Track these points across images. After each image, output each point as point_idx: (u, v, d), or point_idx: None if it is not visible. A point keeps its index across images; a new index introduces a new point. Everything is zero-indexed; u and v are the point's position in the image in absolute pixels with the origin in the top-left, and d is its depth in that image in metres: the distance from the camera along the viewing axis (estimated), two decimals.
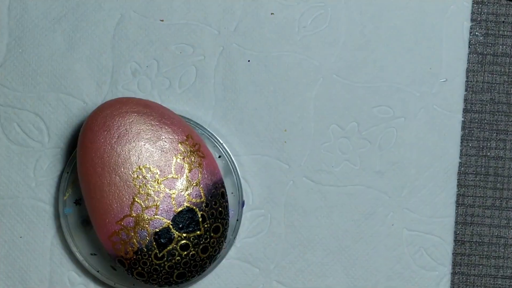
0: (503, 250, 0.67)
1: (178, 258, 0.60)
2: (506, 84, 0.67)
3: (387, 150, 0.66)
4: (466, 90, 0.67)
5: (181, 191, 0.60)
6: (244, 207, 0.65)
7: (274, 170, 0.66)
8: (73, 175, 0.64)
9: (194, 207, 0.60)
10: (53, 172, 0.66)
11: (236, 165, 0.65)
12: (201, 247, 0.60)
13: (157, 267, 0.60)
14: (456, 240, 0.67)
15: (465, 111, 0.67)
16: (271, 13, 0.66)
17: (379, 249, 0.66)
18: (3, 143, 0.66)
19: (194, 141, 0.61)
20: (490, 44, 0.66)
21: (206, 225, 0.60)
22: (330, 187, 0.66)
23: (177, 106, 0.66)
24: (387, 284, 0.66)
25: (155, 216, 0.59)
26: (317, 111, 0.66)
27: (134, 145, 0.60)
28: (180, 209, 0.59)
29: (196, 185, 0.60)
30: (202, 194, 0.60)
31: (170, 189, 0.59)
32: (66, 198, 0.64)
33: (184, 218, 0.59)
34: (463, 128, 0.67)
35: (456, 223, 0.67)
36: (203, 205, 0.60)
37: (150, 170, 0.59)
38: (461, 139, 0.67)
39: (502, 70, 0.67)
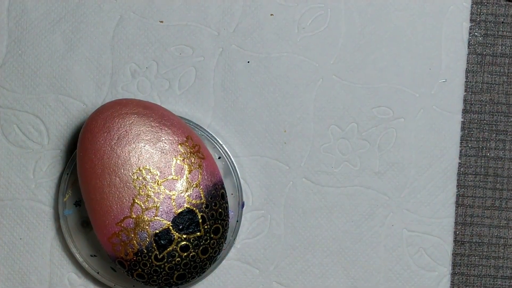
0: (502, 250, 0.67)
1: (178, 259, 0.60)
2: (505, 85, 0.67)
3: (386, 151, 0.66)
4: (465, 91, 0.67)
5: (181, 193, 0.60)
6: (244, 208, 0.65)
7: (274, 171, 0.66)
8: (73, 176, 0.64)
9: (194, 208, 0.60)
10: (53, 173, 0.66)
11: (236, 166, 0.65)
12: (201, 248, 0.60)
13: (157, 268, 0.60)
14: (455, 241, 0.67)
15: (465, 111, 0.67)
16: (271, 14, 0.66)
17: (379, 250, 0.66)
18: (3, 145, 0.66)
19: (194, 142, 0.61)
20: (489, 45, 0.66)
21: (206, 226, 0.60)
22: (329, 188, 0.66)
23: (176, 107, 0.66)
24: (387, 285, 0.66)
25: (155, 218, 0.59)
26: (316, 112, 0.66)
27: (134, 146, 0.60)
28: (180, 210, 0.59)
29: (196, 186, 0.60)
30: (202, 195, 0.60)
31: (170, 191, 0.59)
32: (66, 199, 0.64)
33: (184, 219, 0.59)
34: (462, 128, 0.67)
35: (456, 223, 0.67)
36: (203, 206, 0.60)
37: (150, 172, 0.59)
38: (461, 140, 0.67)
39: (501, 70, 0.67)
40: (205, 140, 0.64)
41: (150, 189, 0.59)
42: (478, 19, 0.66)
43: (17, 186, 0.66)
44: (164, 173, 0.60)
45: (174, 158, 0.60)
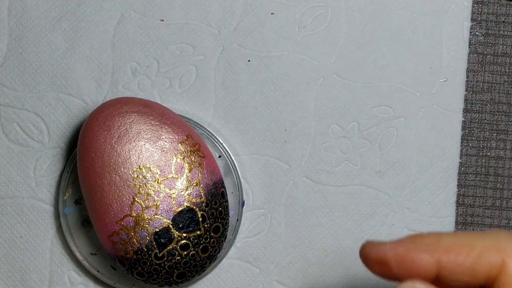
0: None
1: (178, 258, 0.60)
2: (506, 84, 0.67)
3: (387, 150, 0.66)
4: (466, 90, 0.67)
5: (181, 191, 0.60)
6: (244, 207, 0.65)
7: (275, 169, 0.66)
8: (73, 175, 0.64)
9: (194, 207, 0.60)
10: (53, 171, 0.66)
11: (236, 165, 0.65)
12: (201, 247, 0.60)
13: (157, 267, 0.60)
14: None
15: (465, 111, 0.67)
16: (272, 13, 0.66)
17: None
18: (3, 143, 0.66)
19: (194, 141, 0.61)
20: (490, 44, 0.66)
21: (206, 225, 0.60)
22: (330, 186, 0.66)
23: (177, 105, 0.66)
24: (388, 285, 0.66)
25: (155, 216, 0.59)
26: (317, 111, 0.66)
27: (134, 145, 0.60)
28: (180, 209, 0.59)
29: (196, 185, 0.60)
30: (202, 194, 0.60)
31: (170, 189, 0.59)
32: (66, 198, 0.64)
33: (184, 218, 0.59)
34: (463, 128, 0.67)
35: (456, 223, 0.67)
36: (203, 205, 0.60)
37: (150, 170, 0.59)
38: (461, 139, 0.67)
39: (503, 70, 0.67)
40: (205, 138, 0.64)
41: (150, 187, 0.59)
42: (479, 19, 0.66)
43: (18, 184, 0.66)
44: (164, 172, 0.60)
45: (174, 157, 0.60)
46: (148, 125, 0.60)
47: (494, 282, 0.43)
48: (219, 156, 0.64)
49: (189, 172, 0.60)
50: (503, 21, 0.66)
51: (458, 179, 0.67)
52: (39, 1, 0.65)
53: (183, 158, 0.60)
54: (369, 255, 0.46)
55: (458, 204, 0.67)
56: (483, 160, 0.67)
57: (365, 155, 0.66)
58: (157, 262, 0.59)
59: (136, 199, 0.59)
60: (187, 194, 0.60)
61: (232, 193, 0.64)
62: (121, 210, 0.59)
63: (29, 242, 0.66)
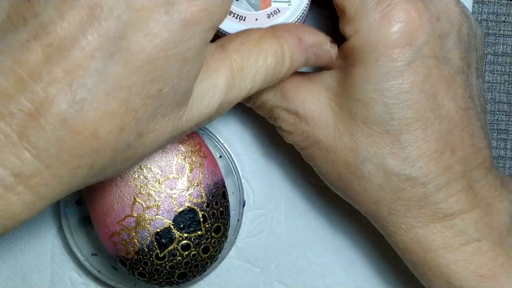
0: None
1: (179, 258, 0.60)
2: (506, 84, 0.67)
3: None
4: None
5: (182, 191, 0.60)
6: (245, 207, 0.65)
7: (275, 170, 0.66)
8: None
9: (195, 207, 0.60)
10: None
11: (237, 165, 0.65)
12: (202, 247, 0.60)
13: (158, 267, 0.60)
14: None
15: None
16: None
17: (380, 249, 0.66)
18: None
19: (195, 141, 0.61)
20: (490, 44, 0.66)
21: (207, 225, 0.60)
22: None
23: None
24: (388, 284, 0.66)
25: (156, 216, 0.59)
26: None
27: None
28: (181, 209, 0.59)
29: (197, 185, 0.60)
30: (203, 194, 0.60)
31: (171, 189, 0.59)
32: (67, 198, 0.64)
33: (185, 218, 0.59)
34: None
35: None
36: (204, 205, 0.60)
37: (151, 170, 0.59)
38: None
39: (503, 69, 0.67)
40: (206, 139, 0.64)
41: (151, 187, 0.59)
42: (479, 18, 0.66)
43: None
44: (165, 172, 0.60)
45: (175, 157, 0.60)
46: None
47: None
48: (220, 156, 0.64)
49: (190, 172, 0.60)
50: (504, 21, 0.66)
51: None
52: None
53: (184, 158, 0.60)
54: None
55: None
56: None
57: None
58: (158, 262, 0.59)
59: (137, 200, 0.59)
60: (188, 194, 0.60)
61: (233, 193, 0.64)
62: (122, 210, 0.59)
63: (30, 242, 0.66)
